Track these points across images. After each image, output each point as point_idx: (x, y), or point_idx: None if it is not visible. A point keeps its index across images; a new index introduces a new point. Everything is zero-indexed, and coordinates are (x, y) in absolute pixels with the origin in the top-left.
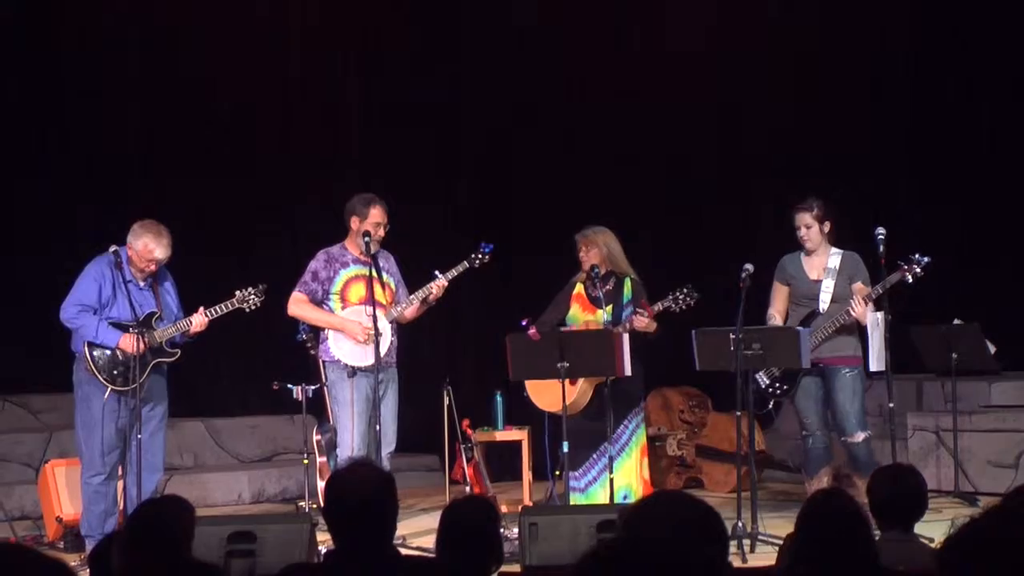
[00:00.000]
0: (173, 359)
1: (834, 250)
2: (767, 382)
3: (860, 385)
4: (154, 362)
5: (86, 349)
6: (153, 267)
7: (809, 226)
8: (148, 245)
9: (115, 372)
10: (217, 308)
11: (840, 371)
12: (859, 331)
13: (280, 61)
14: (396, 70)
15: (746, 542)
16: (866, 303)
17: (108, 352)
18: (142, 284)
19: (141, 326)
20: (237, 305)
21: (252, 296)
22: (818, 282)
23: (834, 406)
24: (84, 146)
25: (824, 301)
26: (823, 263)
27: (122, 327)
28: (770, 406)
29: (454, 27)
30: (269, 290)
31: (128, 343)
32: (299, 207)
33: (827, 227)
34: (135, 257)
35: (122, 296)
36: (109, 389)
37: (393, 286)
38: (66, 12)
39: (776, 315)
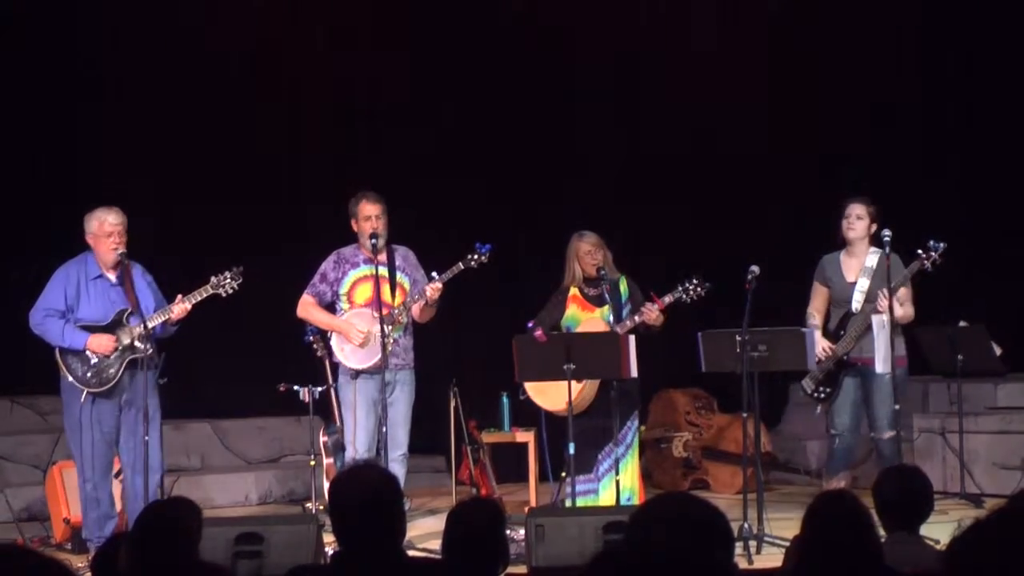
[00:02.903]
0: (146, 355)
1: (873, 250)
2: (812, 387)
3: (899, 386)
4: (128, 359)
5: (58, 354)
6: (116, 240)
7: (860, 217)
8: (100, 217)
9: (88, 374)
10: (194, 295)
11: (880, 372)
12: (899, 328)
13: (287, 61)
14: (402, 69)
15: (752, 543)
16: (889, 297)
17: (79, 355)
18: (113, 279)
19: (112, 325)
20: (212, 291)
21: (228, 280)
22: (853, 284)
23: (870, 404)
24: (88, 148)
25: (857, 301)
26: (861, 263)
27: (92, 328)
28: (819, 410)
29: (456, 25)
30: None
31: (97, 344)
32: (308, 208)
33: (874, 228)
34: (97, 242)
35: (88, 295)
36: (85, 391)
37: (407, 285)
38: (66, 9)
39: (815, 313)
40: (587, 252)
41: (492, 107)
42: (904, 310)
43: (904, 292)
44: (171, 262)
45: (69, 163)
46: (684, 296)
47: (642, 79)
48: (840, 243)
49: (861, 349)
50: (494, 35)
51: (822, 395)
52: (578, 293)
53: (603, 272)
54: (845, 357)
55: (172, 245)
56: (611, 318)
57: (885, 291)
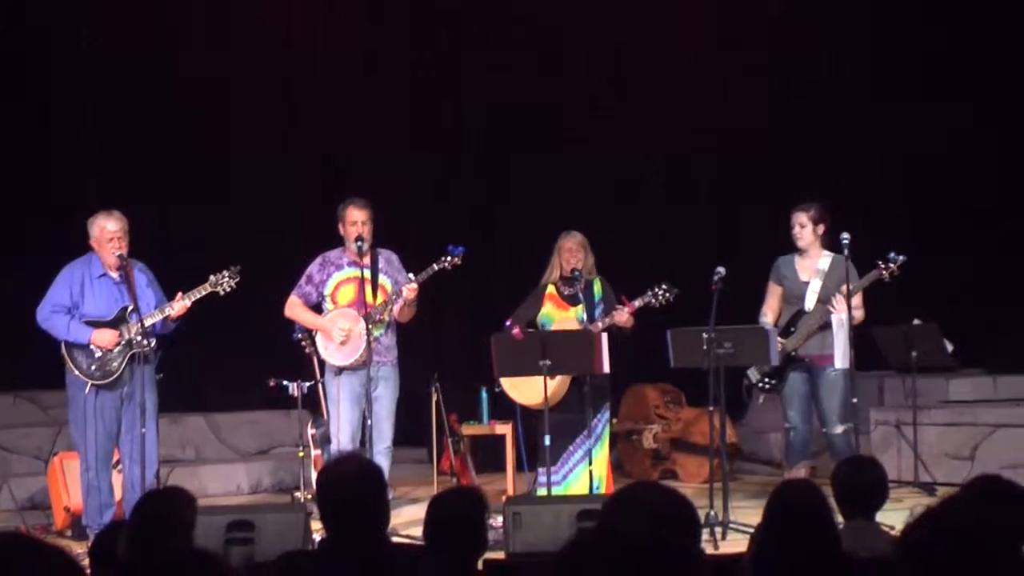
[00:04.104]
0: (146, 349)
1: (826, 253)
2: (758, 377)
3: (844, 382)
4: (129, 354)
5: (64, 348)
6: (116, 244)
7: (803, 225)
8: (101, 224)
9: (92, 368)
10: (194, 292)
11: (825, 369)
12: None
13: (280, 60)
14: (394, 69)
15: (718, 530)
16: (845, 301)
17: (84, 349)
18: (116, 278)
19: (115, 321)
20: (211, 289)
21: (226, 279)
22: (807, 283)
23: (818, 401)
24: (90, 149)
25: (810, 300)
26: (815, 265)
27: (96, 324)
28: (760, 400)
29: (451, 26)
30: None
31: (100, 338)
32: (301, 208)
33: (820, 230)
34: (100, 247)
35: (92, 293)
36: (89, 384)
37: (389, 287)
38: (67, 9)
39: (769, 312)
40: (568, 250)
41: (482, 107)
42: (855, 314)
43: (857, 297)
44: (170, 261)
45: (73, 165)
46: (653, 300)
47: (628, 78)
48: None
49: (809, 346)
50: (481, 37)
51: (767, 386)
52: (554, 291)
53: (577, 273)
54: (793, 353)
55: (171, 245)
56: (584, 317)
57: (839, 295)
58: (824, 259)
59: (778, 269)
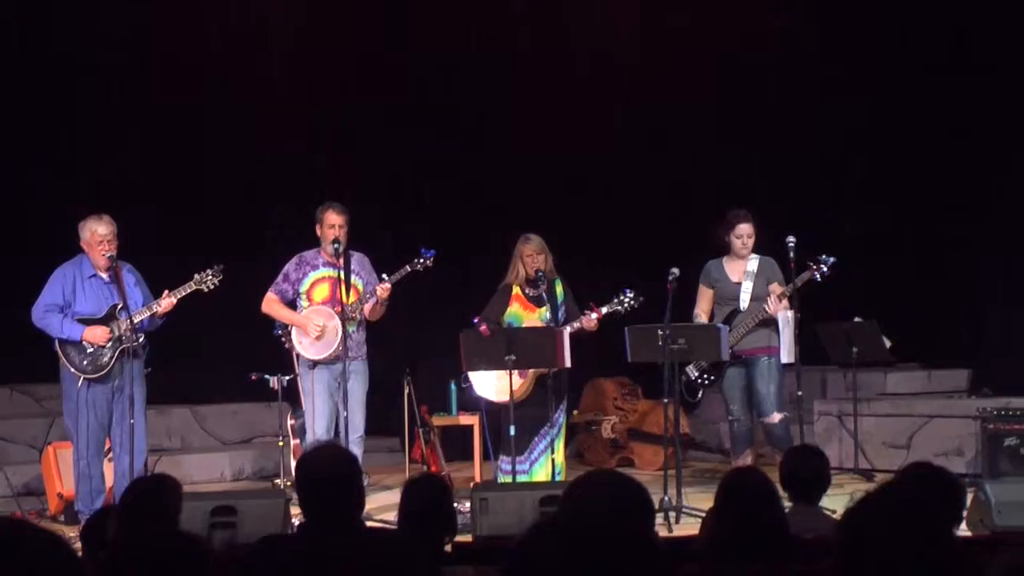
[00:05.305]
0: (135, 345)
1: (752, 255)
2: (696, 374)
3: (776, 372)
4: (119, 349)
5: (58, 345)
6: (106, 247)
7: (751, 236)
8: (91, 228)
9: (85, 363)
10: (180, 290)
11: (759, 360)
12: (775, 325)
13: (266, 61)
14: (377, 71)
15: (672, 514)
16: (780, 300)
17: (76, 345)
18: (106, 278)
19: (106, 318)
20: (196, 287)
21: (210, 277)
22: (739, 284)
23: (754, 391)
24: (85, 154)
25: (744, 300)
26: (743, 267)
27: (88, 321)
28: (699, 395)
29: (429, 28)
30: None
31: (92, 335)
32: (278, 210)
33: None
34: (90, 249)
35: (84, 293)
36: (82, 378)
37: (361, 287)
38: (54, 14)
39: (702, 314)
40: (529, 255)
41: (456, 111)
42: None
43: (783, 291)
44: (158, 260)
45: (69, 167)
46: (620, 308)
47: (578, 81)
48: (723, 251)
49: (744, 341)
50: (456, 38)
51: (705, 382)
52: (520, 292)
53: (541, 274)
54: (730, 349)
55: (159, 245)
56: (548, 317)
57: (774, 294)
58: (752, 261)
59: (708, 273)
